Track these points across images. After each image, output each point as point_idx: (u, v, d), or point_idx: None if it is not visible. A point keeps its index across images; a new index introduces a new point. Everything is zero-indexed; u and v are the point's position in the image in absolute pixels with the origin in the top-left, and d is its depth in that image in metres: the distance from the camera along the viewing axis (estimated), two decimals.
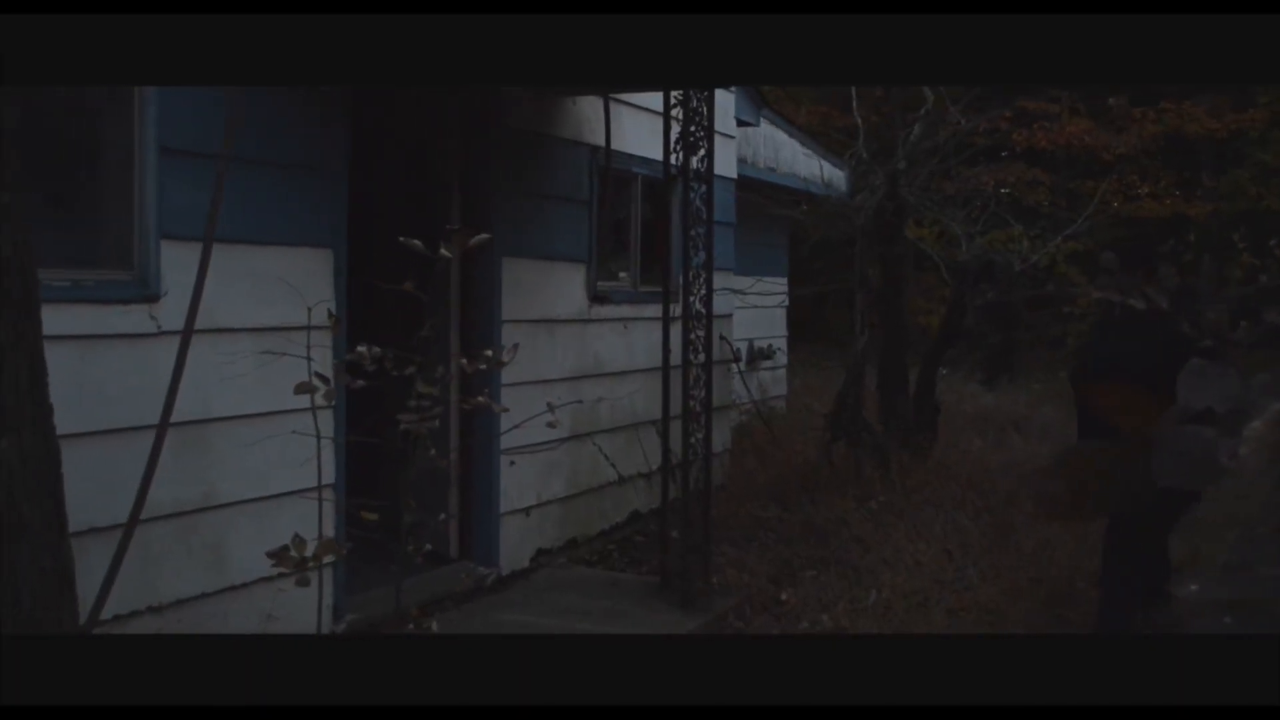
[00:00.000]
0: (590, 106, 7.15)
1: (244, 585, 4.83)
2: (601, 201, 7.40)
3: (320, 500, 4.32)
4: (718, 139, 6.44)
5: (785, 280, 13.67)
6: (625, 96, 7.39)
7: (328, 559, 3.72)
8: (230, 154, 3.99)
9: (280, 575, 3.71)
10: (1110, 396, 4.83)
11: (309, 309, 4.56)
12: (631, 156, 7.60)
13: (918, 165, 10.06)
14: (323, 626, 4.95)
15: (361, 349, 3.51)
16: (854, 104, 11.09)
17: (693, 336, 6.13)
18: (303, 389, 3.66)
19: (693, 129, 6.07)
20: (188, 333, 3.81)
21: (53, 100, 4.23)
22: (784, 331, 13.64)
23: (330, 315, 4.15)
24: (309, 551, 3.59)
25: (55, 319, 3.20)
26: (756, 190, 11.25)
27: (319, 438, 3.99)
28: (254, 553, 4.46)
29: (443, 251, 3.64)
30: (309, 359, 4.08)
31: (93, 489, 3.98)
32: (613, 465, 7.42)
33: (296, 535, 3.64)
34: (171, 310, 4.42)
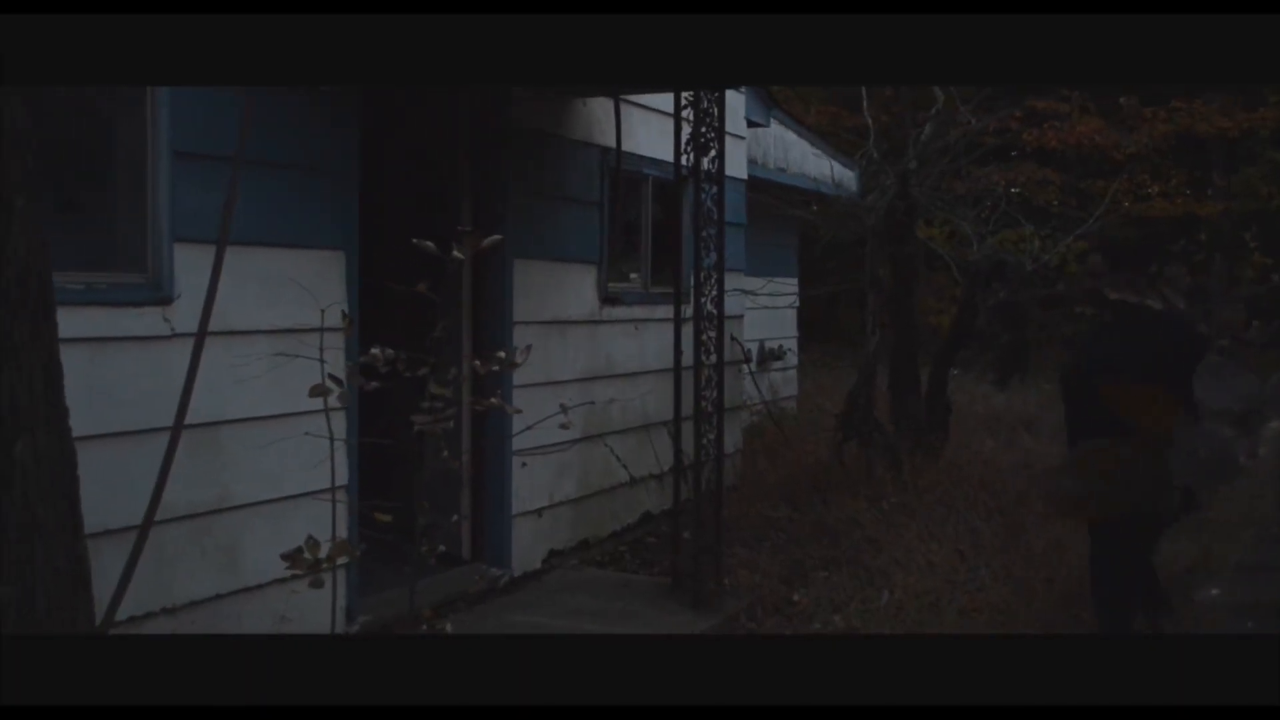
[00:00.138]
0: (600, 108, 7.15)
1: (258, 587, 4.84)
2: (612, 203, 7.40)
3: (334, 502, 4.33)
4: (728, 140, 6.44)
5: (796, 281, 13.66)
6: (635, 98, 7.40)
7: (341, 560, 3.73)
8: (243, 157, 4.00)
9: (294, 577, 3.72)
10: (1103, 398, 4.80)
11: (322, 311, 4.57)
12: (642, 158, 7.61)
13: (928, 165, 10.04)
14: (336, 628, 4.96)
15: (375, 351, 3.52)
16: (864, 104, 11.09)
17: (704, 337, 6.13)
18: (317, 391, 3.67)
19: (703, 130, 6.08)
20: (201, 335, 3.82)
21: (66, 104, 4.24)
22: (795, 332, 13.63)
23: (344, 317, 4.15)
24: (323, 553, 3.59)
25: (69, 321, 3.21)
26: (766, 191, 11.25)
27: (332, 439, 4.00)
28: (267, 554, 4.47)
29: (455, 253, 3.65)
30: (322, 361, 4.08)
31: (107, 491, 3.98)
32: (624, 466, 7.42)
33: (310, 537, 3.65)
34: (185, 313, 4.43)
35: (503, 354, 3.90)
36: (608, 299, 7.35)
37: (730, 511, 7.13)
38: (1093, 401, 4.88)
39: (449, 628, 3.83)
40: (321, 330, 4.37)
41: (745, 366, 9.95)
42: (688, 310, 6.26)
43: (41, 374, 2.79)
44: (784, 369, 13.14)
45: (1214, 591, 6.16)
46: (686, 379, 6.20)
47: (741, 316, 9.36)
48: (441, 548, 4.02)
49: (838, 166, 12.72)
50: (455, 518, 6.23)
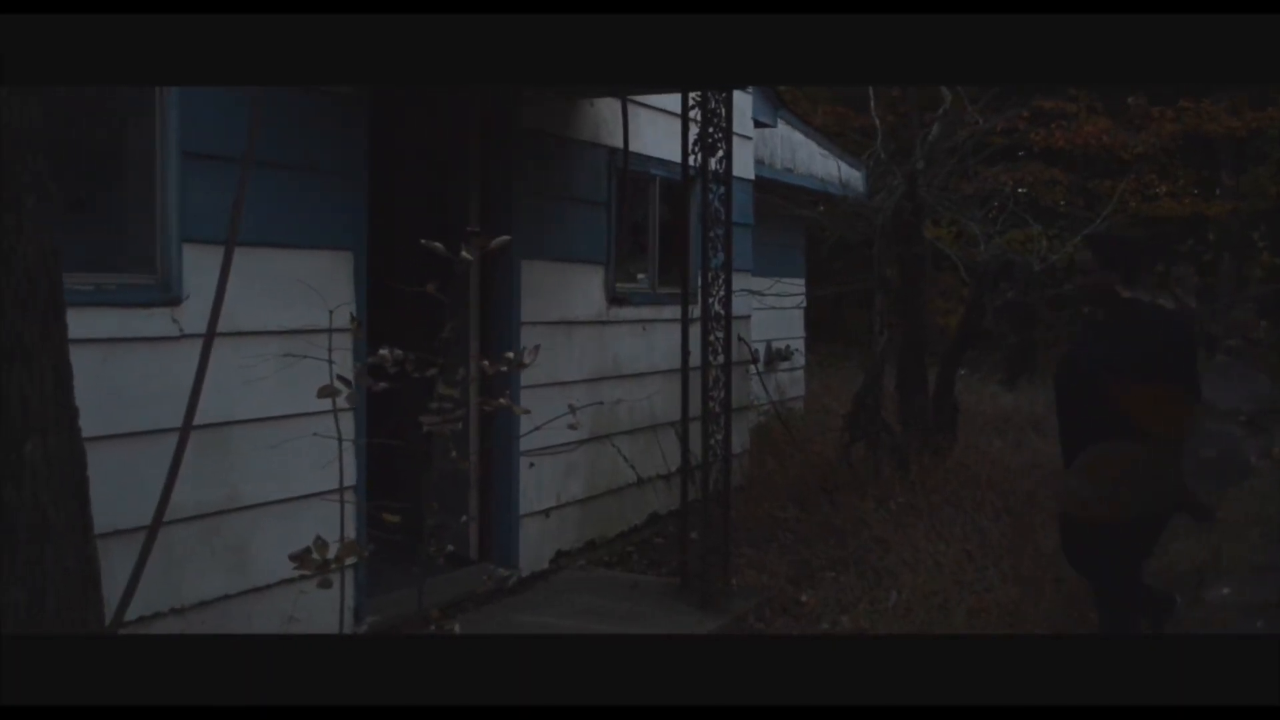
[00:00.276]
0: (608, 108, 7.16)
1: (266, 587, 4.85)
2: (620, 203, 7.40)
3: (342, 502, 4.33)
4: (735, 140, 6.44)
5: (803, 281, 13.66)
6: (643, 98, 7.40)
7: (349, 561, 3.73)
8: (252, 158, 4.00)
9: (302, 577, 3.72)
10: (1095, 396, 4.77)
11: (330, 312, 4.59)
12: (649, 158, 7.61)
13: (936, 165, 10.04)
14: (344, 628, 4.95)
15: (384, 351, 3.52)
16: (871, 104, 11.08)
17: (712, 338, 6.13)
18: (325, 392, 3.67)
19: (711, 130, 6.07)
20: (210, 336, 3.83)
21: (75, 104, 4.25)
22: (802, 332, 13.63)
23: (352, 318, 4.16)
24: (331, 554, 3.60)
25: (79, 322, 3.21)
26: (774, 191, 11.24)
27: (340, 440, 4.00)
28: (276, 554, 4.48)
29: (463, 254, 3.65)
30: (330, 361, 4.09)
31: (116, 491, 3.99)
32: (632, 467, 7.42)
33: (319, 537, 3.66)
34: (193, 313, 4.44)
35: (511, 354, 3.89)
36: (615, 299, 7.35)
37: (738, 512, 7.13)
38: (1084, 400, 4.84)
39: (457, 628, 3.83)
40: (330, 331, 4.38)
41: (752, 367, 9.95)
42: (695, 310, 6.26)
43: (52, 374, 2.80)
44: (791, 369, 13.14)
45: (1225, 590, 6.15)
46: (694, 379, 6.20)
47: (749, 317, 9.36)
48: (450, 548, 4.02)
49: (845, 167, 12.72)
50: (463, 518, 6.24)
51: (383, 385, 3.66)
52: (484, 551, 6.55)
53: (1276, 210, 19.36)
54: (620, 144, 7.10)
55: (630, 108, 7.15)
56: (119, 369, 4.28)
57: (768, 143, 11.04)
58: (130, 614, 3.75)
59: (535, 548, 6.66)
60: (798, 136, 12.00)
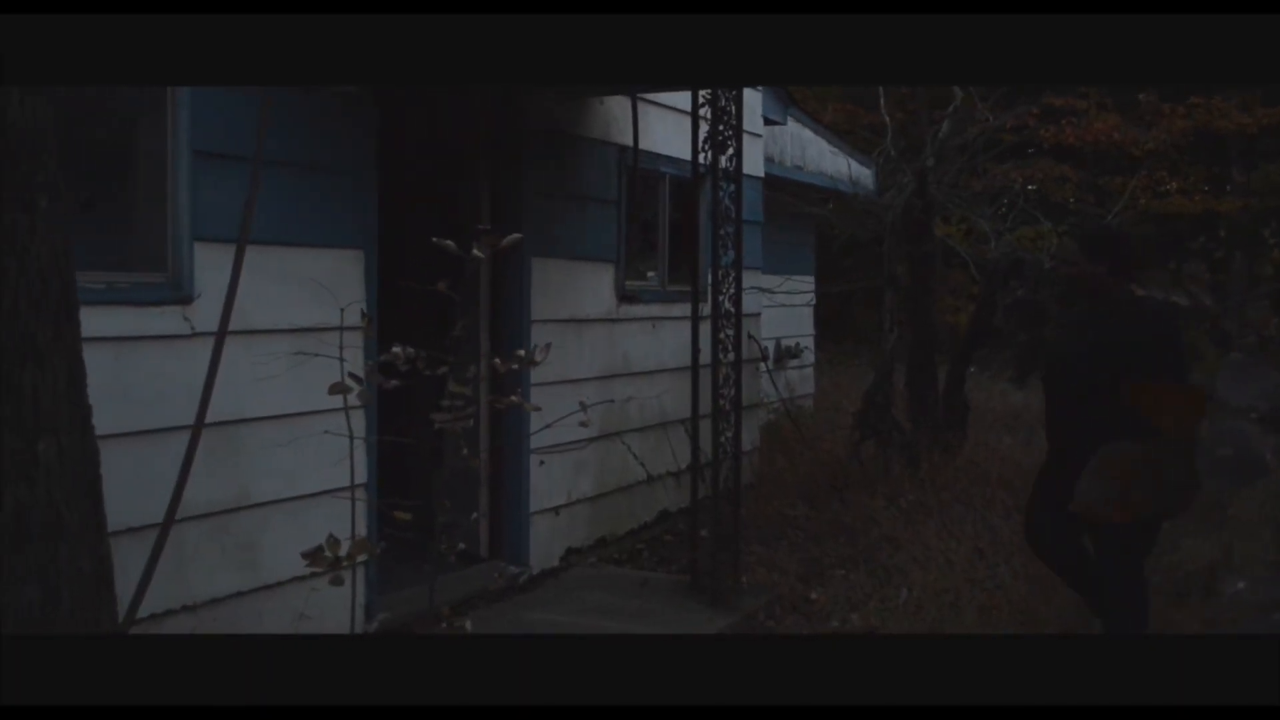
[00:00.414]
0: (618, 106, 7.16)
1: (277, 585, 4.86)
2: (630, 201, 7.40)
3: (353, 500, 4.34)
4: (745, 138, 6.44)
5: (812, 279, 13.65)
6: (653, 96, 7.40)
7: (360, 558, 3.74)
8: (262, 157, 4.01)
9: (313, 575, 3.73)
10: (1080, 391, 4.73)
11: (341, 310, 4.60)
12: (659, 156, 7.61)
13: (946, 162, 10.03)
14: (355, 625, 4.97)
15: (396, 349, 3.53)
16: (881, 102, 11.07)
17: (722, 335, 6.13)
18: (337, 389, 3.68)
19: (721, 128, 6.07)
20: (222, 334, 3.83)
21: (87, 105, 4.26)
22: (811, 330, 13.62)
23: (364, 314, 4.17)
24: (343, 551, 3.61)
25: (91, 321, 3.22)
26: (783, 189, 11.24)
27: (352, 438, 4.01)
28: (287, 552, 4.49)
29: (475, 252, 3.65)
30: (341, 359, 4.10)
31: (127, 489, 4.01)
32: (642, 464, 7.42)
33: (331, 535, 3.66)
34: (205, 312, 4.45)
35: (522, 352, 3.90)
36: (625, 297, 7.36)
37: (748, 509, 7.13)
38: (1069, 393, 4.81)
39: (469, 625, 3.84)
40: (341, 329, 4.39)
41: (762, 364, 9.95)
42: (705, 308, 6.27)
43: (65, 373, 2.80)
44: (801, 367, 13.13)
45: (1240, 585, 6.12)
46: (704, 377, 6.20)
47: (758, 314, 9.36)
48: (461, 545, 4.04)
49: (854, 164, 12.70)
50: (474, 516, 6.25)
51: (394, 383, 3.67)
52: (495, 549, 6.56)
53: None
54: (630, 141, 7.10)
55: (640, 105, 7.15)
56: (131, 367, 4.29)
57: (777, 140, 11.03)
58: (142, 611, 3.75)
59: (546, 545, 6.67)
60: (807, 134, 11.99)
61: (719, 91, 6.03)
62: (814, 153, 12.14)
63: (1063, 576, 5.20)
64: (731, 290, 6.20)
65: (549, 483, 6.63)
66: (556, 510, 6.74)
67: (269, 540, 4.84)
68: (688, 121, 6.30)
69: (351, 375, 3.76)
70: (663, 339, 7.69)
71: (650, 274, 7.88)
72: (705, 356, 6.17)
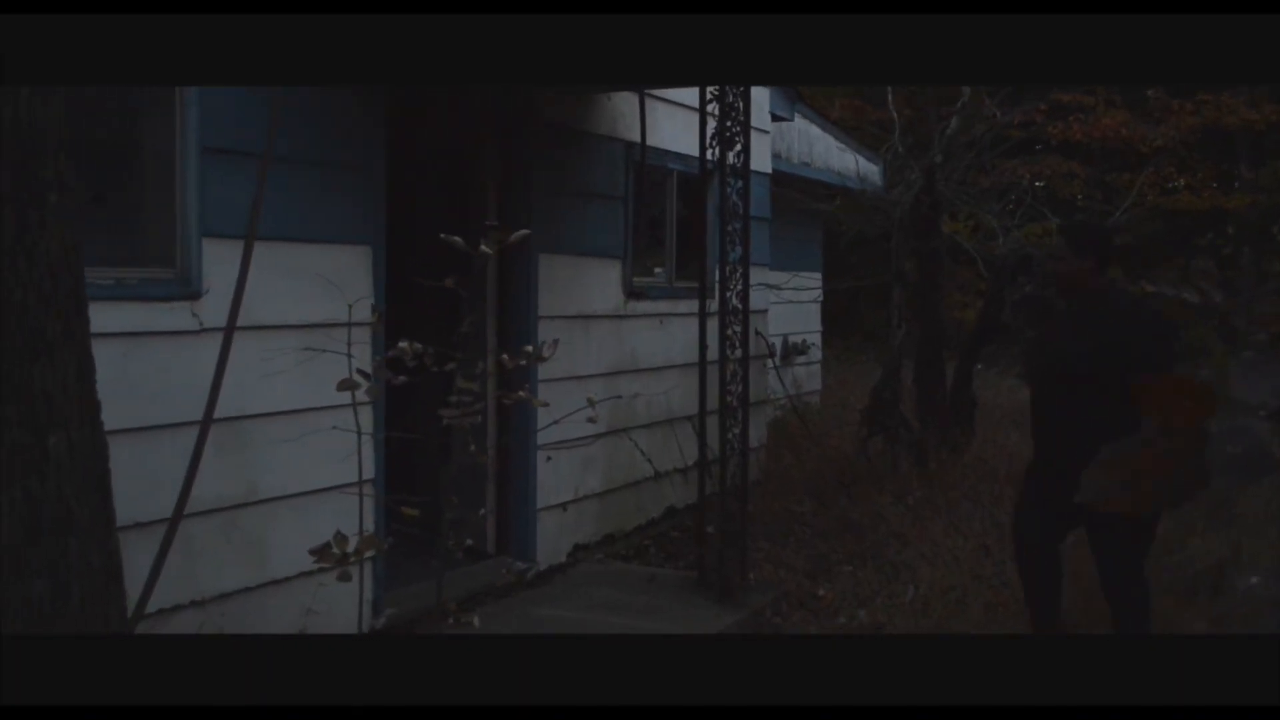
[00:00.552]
0: (625, 102, 7.16)
1: (285, 580, 4.87)
2: (637, 197, 7.40)
3: (361, 496, 4.35)
4: (753, 134, 6.44)
5: (820, 275, 13.64)
6: (660, 92, 7.40)
7: (368, 554, 3.75)
8: (271, 154, 4.02)
9: (321, 570, 3.74)
10: (1067, 390, 4.71)
11: (349, 305, 4.60)
12: (667, 152, 7.61)
13: (954, 159, 10.02)
14: (362, 621, 4.98)
15: (404, 345, 3.53)
16: (889, 98, 11.06)
17: (729, 332, 6.12)
18: (345, 385, 3.69)
19: (729, 124, 6.07)
20: (230, 330, 3.84)
21: (96, 101, 4.27)
22: (818, 326, 13.61)
23: (373, 309, 4.17)
24: (350, 548, 3.62)
25: (100, 317, 3.23)
26: (791, 185, 11.23)
27: (359, 433, 4.02)
28: (295, 547, 4.50)
29: (483, 248, 3.66)
30: (349, 355, 4.11)
31: (136, 484, 4.02)
32: (649, 461, 7.43)
33: (338, 532, 3.68)
34: (213, 307, 4.46)
35: (530, 348, 3.90)
36: (632, 293, 7.36)
37: (755, 506, 7.13)
38: (1056, 390, 4.79)
39: (476, 621, 3.85)
40: (349, 325, 4.39)
41: (769, 361, 9.94)
42: (713, 305, 6.26)
43: (75, 368, 2.81)
44: (808, 364, 13.12)
45: (1253, 580, 6.11)
46: (711, 373, 6.20)
47: (766, 311, 9.35)
48: (468, 541, 4.04)
49: (862, 160, 12.70)
50: (481, 512, 6.26)
51: (402, 379, 3.67)
52: (502, 545, 6.57)
53: None
54: (638, 138, 7.10)
55: (648, 102, 7.15)
56: (139, 363, 4.30)
57: (785, 136, 11.03)
58: (150, 606, 3.77)
59: (553, 541, 6.67)
60: (815, 130, 11.98)
61: (727, 88, 6.03)
62: (821, 149, 12.13)
63: (1031, 580, 5.13)
64: (739, 286, 6.19)
65: (556, 479, 6.64)
66: (564, 506, 6.74)
67: (276, 536, 4.84)
68: (695, 118, 6.30)
69: (359, 371, 3.77)
70: (670, 335, 7.69)
71: (658, 270, 7.88)
72: (713, 353, 6.17)
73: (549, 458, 6.51)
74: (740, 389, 6.17)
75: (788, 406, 10.98)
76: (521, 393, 4.10)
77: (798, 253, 12.43)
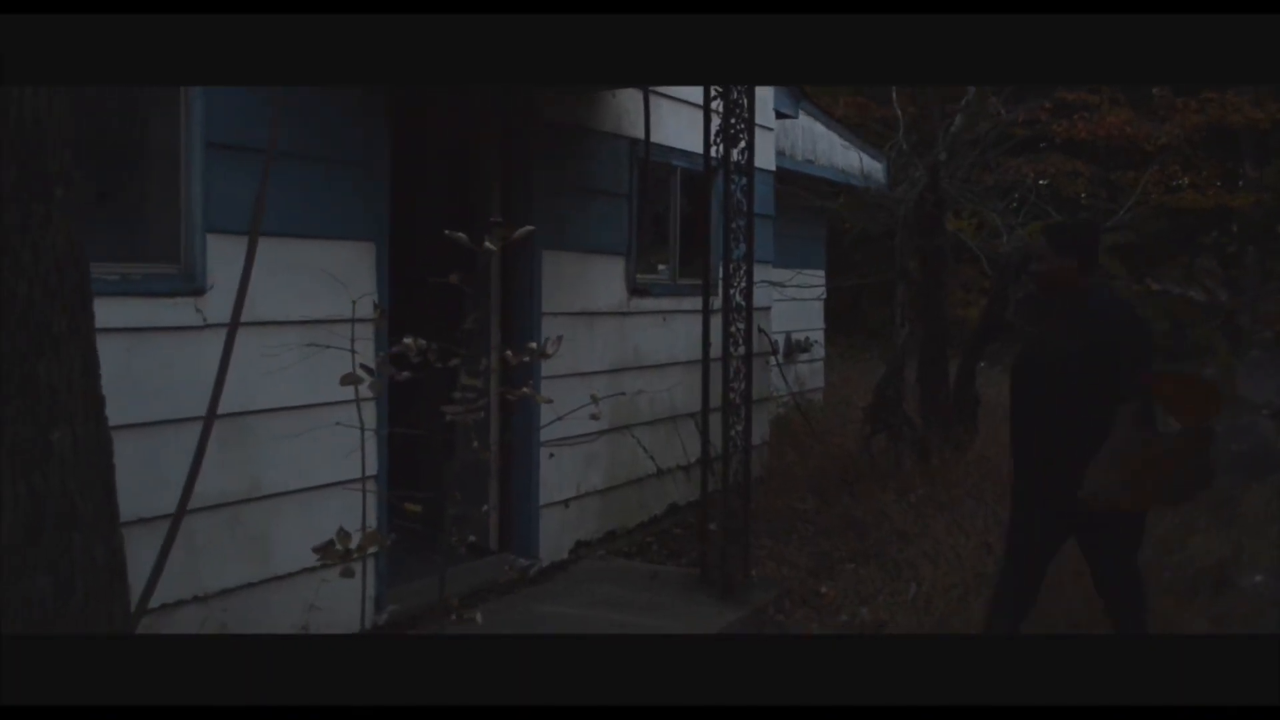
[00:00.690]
0: (629, 99, 7.16)
1: (287, 575, 4.87)
2: (641, 194, 7.40)
3: (364, 492, 4.35)
4: (757, 131, 6.44)
5: (823, 273, 13.64)
6: (665, 89, 7.40)
7: (371, 550, 3.75)
8: (274, 151, 4.02)
9: (324, 566, 3.74)
10: (1043, 391, 4.69)
11: (353, 301, 4.61)
12: (671, 149, 7.60)
13: (958, 157, 10.01)
14: (365, 617, 4.99)
15: (407, 341, 3.53)
16: (893, 96, 11.05)
17: (733, 329, 6.12)
18: (348, 380, 3.69)
19: (733, 121, 6.07)
20: (234, 325, 3.84)
21: (101, 97, 4.27)
22: (821, 324, 13.61)
23: (376, 306, 4.18)
24: (353, 544, 3.62)
25: (104, 312, 3.23)
26: (795, 182, 11.23)
27: (363, 429, 4.02)
28: (298, 543, 4.51)
29: (487, 244, 3.66)
30: (353, 351, 4.11)
31: (139, 480, 4.02)
32: (651, 458, 7.43)
33: (341, 529, 3.68)
34: (217, 303, 4.46)
35: (534, 345, 3.90)
36: (636, 290, 7.36)
37: (757, 503, 7.13)
38: (1035, 393, 4.75)
39: (479, 617, 3.85)
40: (353, 321, 4.40)
41: (772, 358, 9.95)
42: (716, 301, 6.26)
43: (79, 363, 2.81)
44: (811, 361, 13.12)
45: (1257, 578, 6.11)
46: (714, 370, 6.20)
47: (769, 308, 9.35)
48: (471, 538, 4.04)
49: (866, 158, 12.69)
50: (484, 508, 6.26)
51: (405, 375, 3.68)
52: (504, 541, 6.57)
53: None
54: (642, 135, 7.09)
55: (652, 98, 7.14)
56: (143, 358, 4.30)
57: (789, 134, 11.02)
58: (153, 602, 3.77)
59: (555, 538, 6.68)
60: (819, 128, 11.98)
61: (731, 85, 6.02)
62: (825, 146, 12.12)
63: (1014, 587, 5.04)
64: (742, 284, 6.19)
65: (559, 475, 6.64)
66: (566, 503, 6.75)
67: (279, 531, 4.85)
68: (700, 115, 6.30)
69: (363, 367, 3.77)
70: (673, 332, 7.69)
71: (661, 267, 7.88)
72: (716, 350, 6.17)
73: (552, 454, 6.51)
74: (743, 386, 6.17)
75: (791, 404, 10.98)
76: (525, 389, 4.10)
77: (801, 250, 12.42)
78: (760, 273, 7.48)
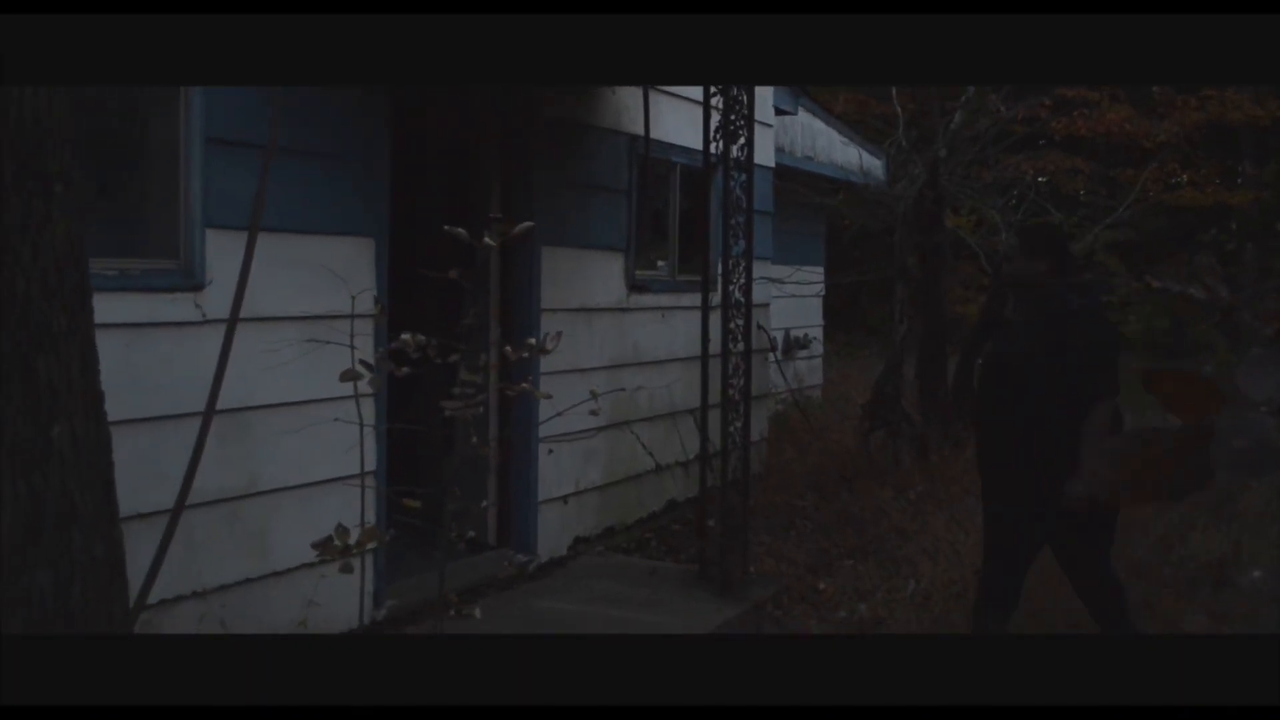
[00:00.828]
0: (629, 96, 7.15)
1: (286, 571, 4.87)
2: (640, 190, 7.40)
3: (363, 487, 4.35)
4: (756, 128, 6.43)
5: (822, 269, 13.64)
6: (665, 86, 7.39)
7: (370, 546, 3.75)
8: (274, 147, 4.01)
9: (323, 562, 3.74)
10: (1008, 395, 4.67)
11: (353, 297, 4.60)
12: (670, 145, 7.60)
13: (957, 153, 10.01)
14: (364, 612, 4.98)
15: (406, 336, 3.53)
16: (893, 92, 11.05)
17: (732, 325, 6.13)
18: (348, 376, 3.69)
19: (732, 118, 6.07)
20: (233, 321, 3.84)
21: (101, 93, 4.27)
22: (820, 320, 13.61)
23: (376, 301, 4.17)
24: (352, 540, 3.62)
25: (104, 307, 3.23)
26: (794, 179, 11.23)
27: (362, 425, 4.02)
28: (297, 539, 4.51)
29: (486, 240, 3.65)
30: (353, 347, 4.11)
31: (138, 476, 4.02)
32: (650, 454, 7.43)
33: (340, 525, 3.68)
34: (216, 299, 4.46)
35: (533, 341, 3.90)
36: (635, 286, 7.35)
37: (756, 500, 7.13)
38: (1002, 394, 4.74)
39: (478, 612, 3.85)
40: (352, 316, 4.40)
41: (771, 355, 9.95)
42: (715, 298, 6.26)
43: (79, 359, 2.81)
44: (809, 357, 13.13)
45: (1255, 574, 6.12)
46: (713, 367, 6.20)
47: (768, 305, 9.35)
48: (470, 533, 4.04)
49: (865, 155, 12.69)
50: (483, 504, 6.26)
51: (405, 370, 3.67)
52: (503, 537, 6.57)
53: None
54: (641, 131, 7.09)
55: (651, 95, 7.14)
56: (142, 354, 4.30)
57: (788, 130, 11.02)
58: (152, 598, 3.77)
59: (554, 534, 6.68)
60: (818, 124, 11.97)
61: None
62: (825, 143, 12.12)
63: (1008, 581, 5.02)
64: (742, 280, 6.19)
65: (558, 471, 6.64)
66: (565, 499, 6.75)
67: (278, 527, 4.85)
68: (699, 111, 6.30)
69: (362, 362, 3.77)
70: (672, 328, 7.69)
71: (660, 263, 7.88)
72: (715, 346, 6.17)
73: (551, 450, 6.52)
74: (742, 383, 6.17)
75: (789, 400, 10.99)
76: (524, 385, 4.09)
77: (800, 247, 12.42)
78: (759, 269, 7.48)
